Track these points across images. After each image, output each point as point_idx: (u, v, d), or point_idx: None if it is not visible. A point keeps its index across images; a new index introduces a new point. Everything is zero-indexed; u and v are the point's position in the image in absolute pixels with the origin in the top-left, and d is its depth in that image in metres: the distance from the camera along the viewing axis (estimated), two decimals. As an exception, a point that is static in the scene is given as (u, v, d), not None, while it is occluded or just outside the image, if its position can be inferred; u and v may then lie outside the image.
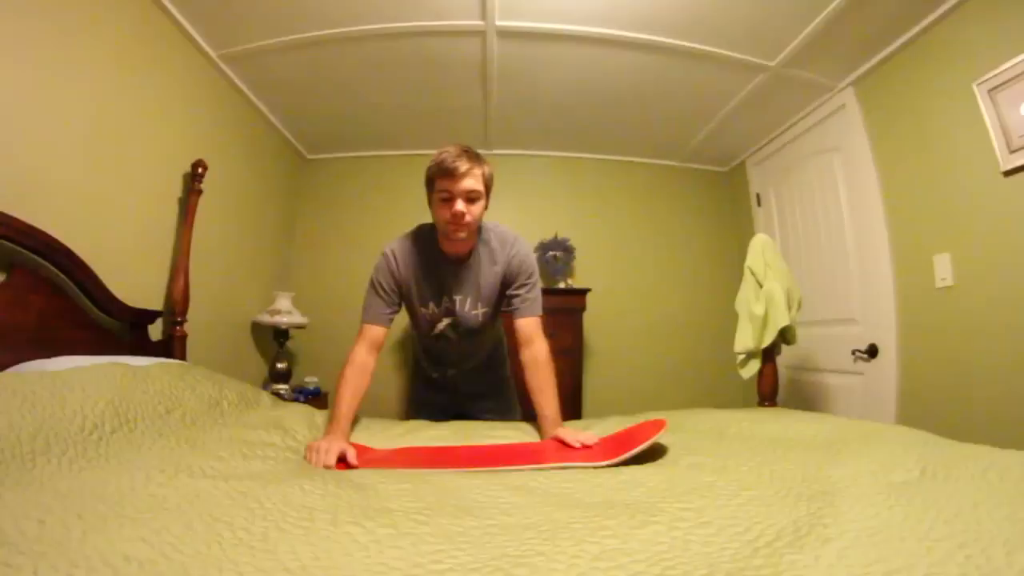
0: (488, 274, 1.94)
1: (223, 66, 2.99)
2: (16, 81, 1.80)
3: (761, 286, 2.46)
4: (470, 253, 1.92)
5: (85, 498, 0.84)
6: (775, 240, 3.85)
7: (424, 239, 1.95)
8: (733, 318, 2.57)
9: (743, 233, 3.89)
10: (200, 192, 2.67)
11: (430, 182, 1.80)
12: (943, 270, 2.57)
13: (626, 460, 1.29)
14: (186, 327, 2.57)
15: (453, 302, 1.95)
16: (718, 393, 4.14)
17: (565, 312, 3.59)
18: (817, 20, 2.61)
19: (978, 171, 2.39)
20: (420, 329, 2.07)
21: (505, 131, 4.01)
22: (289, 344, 3.59)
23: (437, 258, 1.92)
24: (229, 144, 3.18)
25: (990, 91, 2.31)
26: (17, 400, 1.14)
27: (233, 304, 3.28)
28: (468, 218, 1.75)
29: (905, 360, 2.81)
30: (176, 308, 2.53)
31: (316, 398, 3.48)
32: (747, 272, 2.53)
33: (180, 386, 1.60)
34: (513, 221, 4.16)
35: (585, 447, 1.44)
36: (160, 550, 0.66)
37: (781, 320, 2.37)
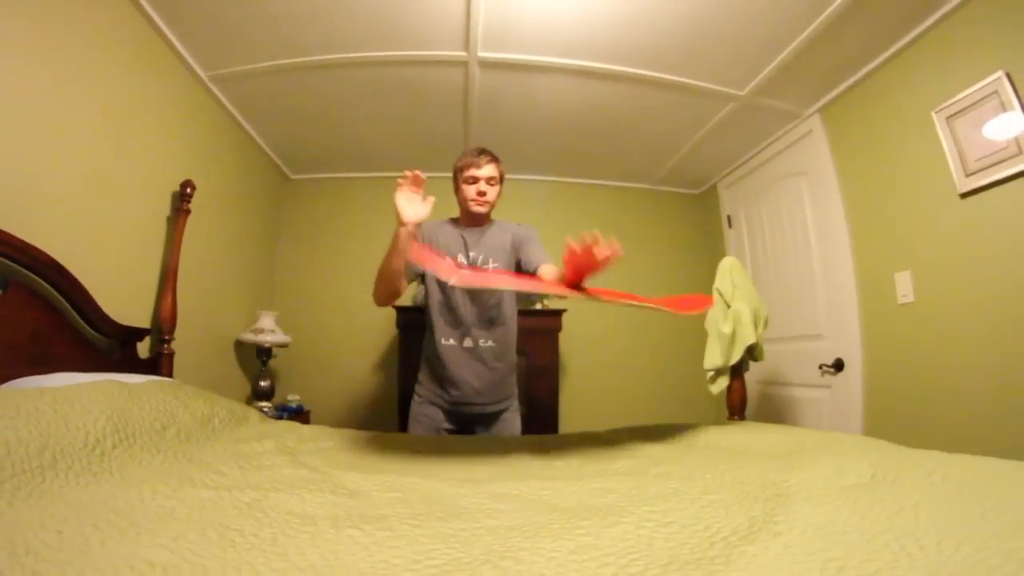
0: (499, 239, 2.40)
1: (212, 87, 3.04)
2: (12, 99, 1.84)
3: (729, 306, 2.56)
4: (484, 226, 2.43)
5: (97, 510, 0.89)
6: (746, 260, 3.99)
7: (448, 221, 2.45)
8: (704, 337, 2.66)
9: (715, 254, 3.99)
10: (188, 212, 2.71)
11: (458, 171, 2.36)
12: (904, 287, 2.70)
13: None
14: (173, 345, 2.61)
15: (468, 256, 2.35)
16: (690, 408, 4.23)
17: (541, 333, 3.65)
18: (785, 52, 2.74)
19: (936, 193, 2.52)
20: (438, 283, 2.33)
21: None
22: (272, 362, 3.62)
23: (459, 227, 2.42)
24: (217, 164, 3.23)
25: (948, 118, 2.44)
26: (22, 416, 1.18)
27: (218, 322, 3.31)
28: (488, 196, 2.34)
29: (870, 373, 2.93)
30: (164, 326, 2.56)
31: (299, 415, 3.51)
32: (715, 293, 2.62)
33: (174, 403, 1.65)
34: None
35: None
36: (180, 555, 0.72)
37: (748, 338, 2.46)
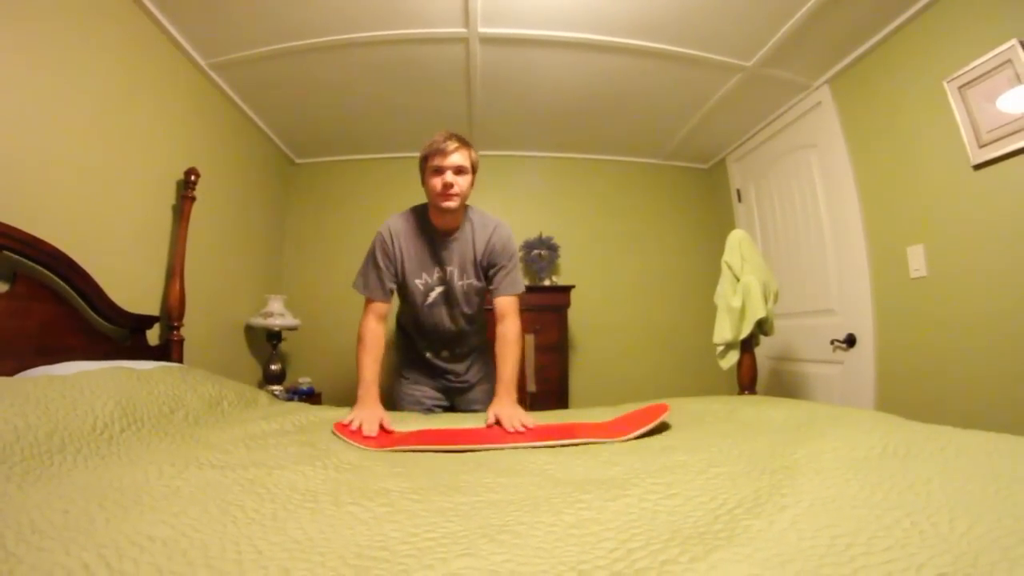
0: (468, 248, 2.12)
1: (212, 74, 3.04)
2: (14, 93, 1.85)
3: (738, 280, 2.54)
4: (457, 228, 2.11)
5: (104, 490, 0.90)
6: (756, 234, 3.95)
7: (418, 217, 2.14)
8: (713, 311, 2.65)
9: (724, 228, 3.96)
10: (194, 199, 2.73)
11: (424, 160, 2.03)
12: (916, 261, 2.66)
13: (637, 436, 1.43)
14: (183, 331, 2.63)
15: (445, 271, 2.12)
16: (700, 383, 4.21)
17: (550, 309, 3.66)
18: (792, 21, 2.69)
19: (949, 165, 2.47)
20: (415, 301, 2.18)
21: (489, 133, 4.08)
22: (282, 346, 3.65)
23: (431, 233, 2.10)
24: (220, 151, 3.23)
25: (960, 88, 2.38)
26: (31, 403, 1.20)
27: (227, 308, 3.34)
28: (456, 188, 1.95)
29: (882, 348, 2.89)
30: (173, 313, 2.59)
31: (310, 397, 3.54)
32: (724, 267, 2.61)
33: (182, 387, 1.67)
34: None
35: (599, 429, 1.54)
36: (181, 531, 0.73)
37: (758, 312, 2.45)
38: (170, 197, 2.72)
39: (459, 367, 2.36)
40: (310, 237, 4.32)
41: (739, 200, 4.29)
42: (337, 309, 4.12)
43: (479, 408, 2.28)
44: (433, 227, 2.10)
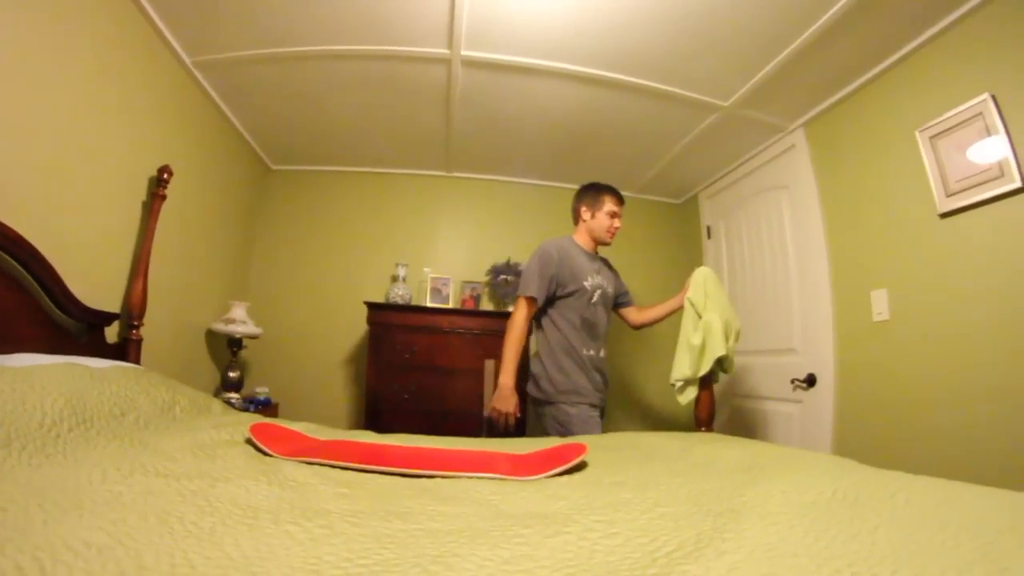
0: (609, 270, 3.03)
1: (196, 72, 3.04)
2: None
3: (700, 317, 2.59)
4: (598, 254, 3.00)
5: (46, 491, 0.90)
6: (723, 271, 4.05)
7: (568, 242, 2.95)
8: (674, 347, 2.69)
9: (693, 263, 4.01)
10: (164, 197, 2.71)
11: (600, 198, 2.92)
12: (880, 305, 2.74)
13: (548, 476, 1.38)
14: (142, 331, 2.60)
15: (596, 279, 2.86)
16: (660, 418, 4.28)
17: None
18: (771, 65, 2.79)
19: (917, 213, 2.56)
20: (581, 301, 2.83)
21: (465, 156, 4.13)
22: (243, 353, 3.63)
23: (583, 251, 2.93)
24: (196, 150, 3.22)
25: (931, 138, 2.49)
26: (-21, 395, 1.19)
27: (190, 310, 3.30)
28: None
29: (841, 390, 2.97)
30: (134, 312, 2.56)
31: (267, 408, 3.51)
32: (687, 303, 2.65)
33: (135, 389, 1.66)
34: (468, 243, 4.32)
35: (511, 463, 1.52)
36: (117, 538, 0.73)
37: (718, 350, 2.49)
38: (141, 193, 2.70)
39: (602, 363, 2.92)
40: (279, 246, 4.30)
41: (708, 237, 4.39)
42: (300, 321, 4.11)
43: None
44: (583, 250, 2.92)
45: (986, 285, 2.25)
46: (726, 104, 3.20)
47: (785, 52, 2.69)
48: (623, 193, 4.62)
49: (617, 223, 2.88)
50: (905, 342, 2.61)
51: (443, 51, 2.85)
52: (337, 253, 4.27)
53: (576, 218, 3.02)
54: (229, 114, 3.52)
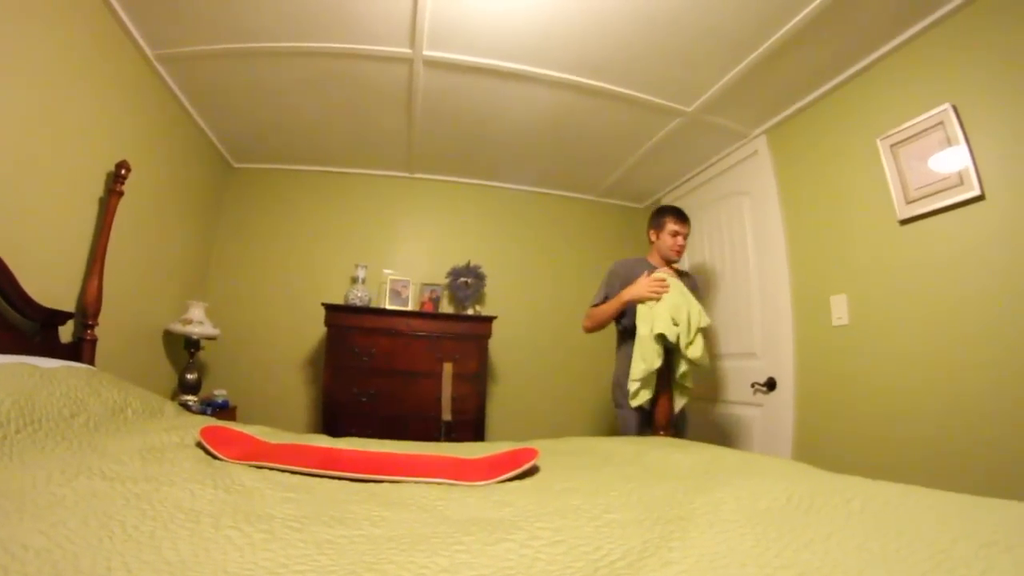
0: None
1: (158, 66, 3.01)
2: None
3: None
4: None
5: (-12, 493, 0.90)
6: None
7: (637, 261, 3.14)
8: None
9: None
10: (122, 194, 2.68)
11: (662, 220, 3.08)
12: (839, 310, 2.81)
13: (497, 481, 1.38)
14: (97, 331, 2.57)
15: None
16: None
17: (472, 338, 3.71)
18: (734, 71, 2.85)
19: (876, 219, 2.64)
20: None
21: (427, 157, 4.14)
22: (201, 355, 3.60)
23: (649, 268, 2.96)
24: (156, 146, 3.18)
25: (892, 146, 2.56)
26: (-77, 396, 1.18)
27: (146, 310, 3.26)
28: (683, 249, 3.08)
29: (801, 394, 3.04)
30: (88, 311, 2.53)
31: (224, 411, 3.47)
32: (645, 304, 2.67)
33: (86, 391, 1.65)
34: (429, 245, 4.33)
35: (462, 468, 1.52)
36: (56, 541, 0.74)
37: (659, 327, 2.53)
38: (98, 189, 2.66)
39: None
40: (240, 245, 4.26)
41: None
42: (260, 321, 4.07)
43: None
44: (651, 265, 3.05)
45: (945, 290, 2.32)
46: (689, 109, 3.26)
47: (749, 59, 2.75)
48: (584, 197, 4.75)
49: (681, 240, 3.05)
50: (864, 346, 2.68)
51: (405, 50, 2.86)
52: (298, 253, 4.24)
53: (648, 241, 3.21)
54: (191, 109, 3.49)
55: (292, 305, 4.13)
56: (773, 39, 2.59)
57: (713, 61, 2.83)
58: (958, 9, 2.31)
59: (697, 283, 3.22)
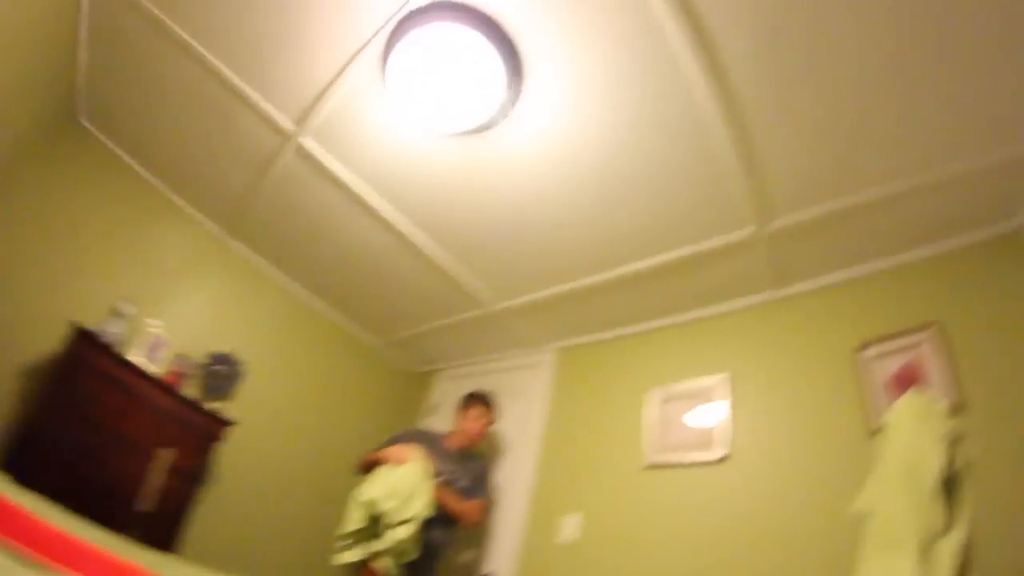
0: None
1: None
2: None
3: None
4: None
5: None
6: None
7: (428, 431, 3.44)
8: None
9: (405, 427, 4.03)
10: None
11: (469, 404, 3.41)
12: (570, 528, 2.94)
13: None
14: None
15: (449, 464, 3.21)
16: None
17: (203, 435, 3.33)
18: (546, 291, 3.16)
19: (625, 459, 2.91)
20: None
21: (251, 230, 3.90)
22: None
23: (433, 439, 3.30)
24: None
25: (662, 401, 2.90)
26: None
27: None
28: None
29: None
30: None
31: None
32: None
33: None
34: (205, 318, 3.88)
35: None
36: None
37: (363, 495, 2.63)
38: None
39: None
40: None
41: (433, 414, 4.47)
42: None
43: None
44: (440, 436, 3.39)
45: (676, 537, 2.56)
46: (495, 308, 3.49)
47: (559, 287, 3.07)
48: (372, 337, 4.65)
49: (481, 425, 3.32)
50: (592, 562, 2.81)
51: (289, 126, 2.80)
52: (75, 243, 3.36)
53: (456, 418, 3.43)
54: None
55: (26, 301, 3.16)
56: (593, 278, 2.95)
57: (531, 278, 3.14)
58: (748, 304, 2.86)
59: (485, 469, 3.35)
